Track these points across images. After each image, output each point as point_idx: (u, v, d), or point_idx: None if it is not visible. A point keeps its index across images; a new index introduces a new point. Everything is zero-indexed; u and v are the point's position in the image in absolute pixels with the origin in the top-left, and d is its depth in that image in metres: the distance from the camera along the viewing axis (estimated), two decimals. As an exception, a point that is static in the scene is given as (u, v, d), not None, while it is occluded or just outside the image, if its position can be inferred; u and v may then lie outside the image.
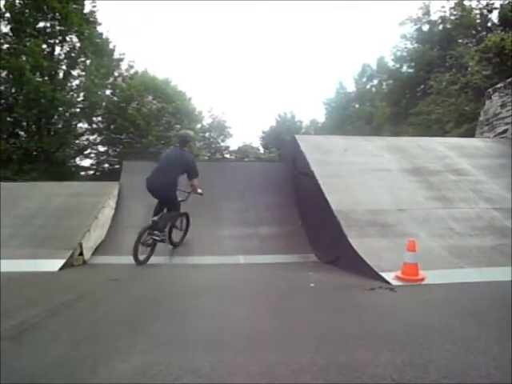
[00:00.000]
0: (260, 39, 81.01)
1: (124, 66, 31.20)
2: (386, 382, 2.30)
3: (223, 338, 3.20)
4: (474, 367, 2.50)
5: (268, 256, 8.40)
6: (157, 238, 7.95)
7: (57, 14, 25.14)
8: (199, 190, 8.35)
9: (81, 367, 2.63)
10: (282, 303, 4.48)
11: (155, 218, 7.93)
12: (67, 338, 3.30)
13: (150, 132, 29.38)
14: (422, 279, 5.41)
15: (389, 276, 5.48)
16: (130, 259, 8.22)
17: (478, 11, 27.39)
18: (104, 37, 28.11)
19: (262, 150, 45.03)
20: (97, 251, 8.81)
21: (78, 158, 31.02)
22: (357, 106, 42.25)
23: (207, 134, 39.55)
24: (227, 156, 39.49)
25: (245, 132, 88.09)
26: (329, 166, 9.31)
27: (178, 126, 32.19)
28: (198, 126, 36.53)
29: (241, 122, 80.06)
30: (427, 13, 29.00)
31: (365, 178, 8.97)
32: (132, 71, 31.83)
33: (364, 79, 42.95)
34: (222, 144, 40.80)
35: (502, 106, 12.91)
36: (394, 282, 5.33)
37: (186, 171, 8.00)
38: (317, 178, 8.58)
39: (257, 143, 47.12)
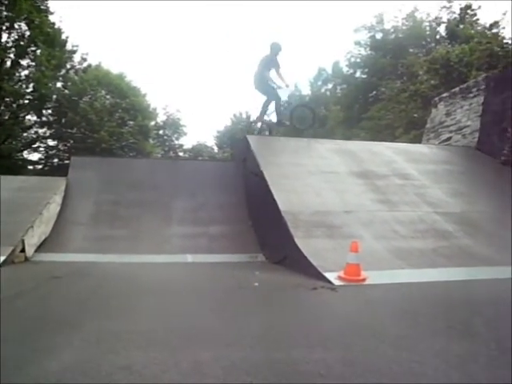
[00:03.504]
0: (217, 38, 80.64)
1: (77, 58, 30.26)
2: (315, 378, 2.36)
3: (159, 336, 3.20)
4: (397, 362, 2.64)
5: (216, 255, 8.42)
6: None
7: (4, -2, 23.99)
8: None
9: (8, 366, 2.55)
10: (224, 302, 4.51)
11: None
12: (-1, 336, 3.20)
13: (102, 127, 28.67)
14: (364, 279, 5.55)
15: (332, 276, 5.60)
16: (75, 256, 8.06)
17: (427, 23, 28.46)
18: (56, 27, 27.11)
19: (216, 150, 44.94)
20: (41, 248, 8.54)
21: (25, 152, 29.97)
22: (311, 108, 42.77)
23: (161, 132, 39.03)
24: (181, 154, 39.15)
25: (200, 131, 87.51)
26: (279, 166, 9.40)
27: (131, 122, 31.61)
28: (152, 123, 35.96)
29: (196, 120, 79.57)
30: (381, 21, 29.81)
31: (314, 179, 9.11)
32: (85, 64, 30.85)
33: (319, 83, 43.49)
34: (177, 142, 40.42)
35: (447, 114, 13.47)
36: (337, 282, 5.45)
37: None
38: (266, 179, 8.64)
39: (211, 142, 47.00)
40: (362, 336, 3.20)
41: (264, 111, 11.73)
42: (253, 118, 45.88)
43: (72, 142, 29.39)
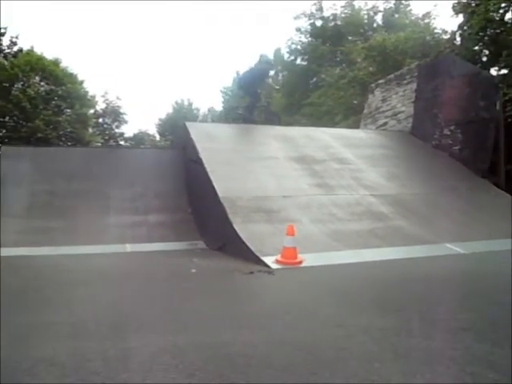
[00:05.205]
0: (158, 24, 78.81)
1: (6, 41, 28.63)
2: (240, 358, 2.38)
3: (87, 326, 3.13)
4: (323, 338, 2.72)
5: (156, 244, 8.35)
6: None
7: None
8: None
9: None
10: (159, 290, 4.48)
11: None
12: None
13: (37, 116, 27.42)
14: (301, 262, 5.67)
15: (269, 260, 5.69)
16: (7, 251, 7.70)
17: (365, 12, 29.12)
18: (-21, 7, 25.40)
19: (158, 138, 44.19)
20: (-31, 243, 8.09)
21: (-50, 142, 28.22)
22: (253, 95, 42.83)
23: (101, 120, 37.78)
24: (122, 143, 38.09)
25: (141, 119, 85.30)
26: (218, 153, 9.35)
27: (68, 110, 30.39)
28: (91, 111, 34.68)
29: (137, 108, 77.26)
30: (320, 9, 30.13)
31: (252, 165, 9.15)
32: (15, 48, 29.22)
33: (261, 70, 43.50)
34: (117, 130, 39.14)
35: (383, 100, 13.86)
36: (274, 266, 5.53)
37: None
38: (205, 166, 8.59)
39: (153, 130, 46.11)
40: (293, 316, 3.27)
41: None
42: (195, 105, 45.66)
43: (4, 131, 27.95)
